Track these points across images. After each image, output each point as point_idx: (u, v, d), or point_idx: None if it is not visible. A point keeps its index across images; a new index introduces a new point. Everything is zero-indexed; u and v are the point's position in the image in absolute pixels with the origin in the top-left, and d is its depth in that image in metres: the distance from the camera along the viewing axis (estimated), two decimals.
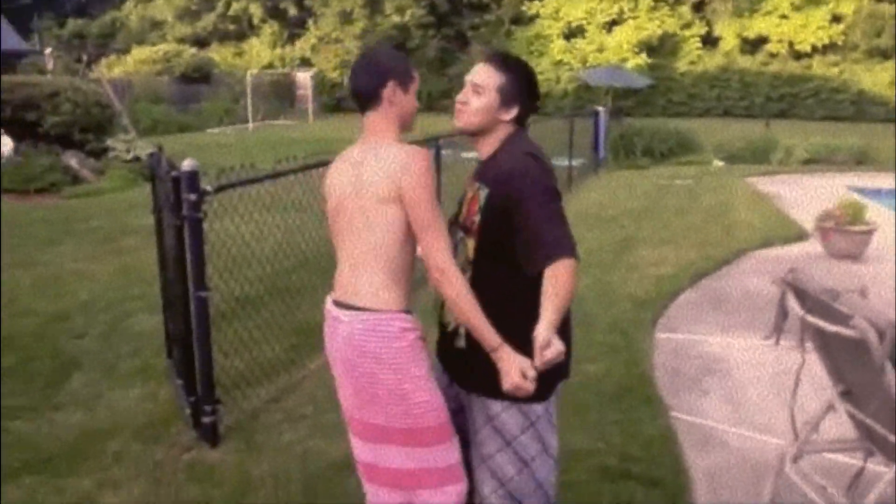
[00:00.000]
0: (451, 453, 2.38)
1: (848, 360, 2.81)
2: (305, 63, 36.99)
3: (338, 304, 2.36)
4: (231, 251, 4.79)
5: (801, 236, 8.79)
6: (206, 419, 3.67)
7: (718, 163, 16.75)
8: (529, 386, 2.13)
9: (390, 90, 2.32)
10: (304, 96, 32.55)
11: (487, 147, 2.41)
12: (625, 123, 19.74)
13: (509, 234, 2.26)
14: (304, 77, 33.17)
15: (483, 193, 2.32)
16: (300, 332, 5.20)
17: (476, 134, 2.41)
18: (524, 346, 2.15)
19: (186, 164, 3.42)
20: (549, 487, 2.45)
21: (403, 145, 2.32)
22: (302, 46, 38.11)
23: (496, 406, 2.35)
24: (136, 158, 13.17)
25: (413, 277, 2.37)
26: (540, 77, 35.21)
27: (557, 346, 2.05)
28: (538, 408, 2.37)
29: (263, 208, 5.11)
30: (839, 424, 3.27)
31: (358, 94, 2.35)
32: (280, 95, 32.04)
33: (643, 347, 5.10)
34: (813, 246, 8.21)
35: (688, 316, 5.96)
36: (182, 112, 26.12)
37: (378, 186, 2.25)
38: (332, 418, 3.96)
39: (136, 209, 10.00)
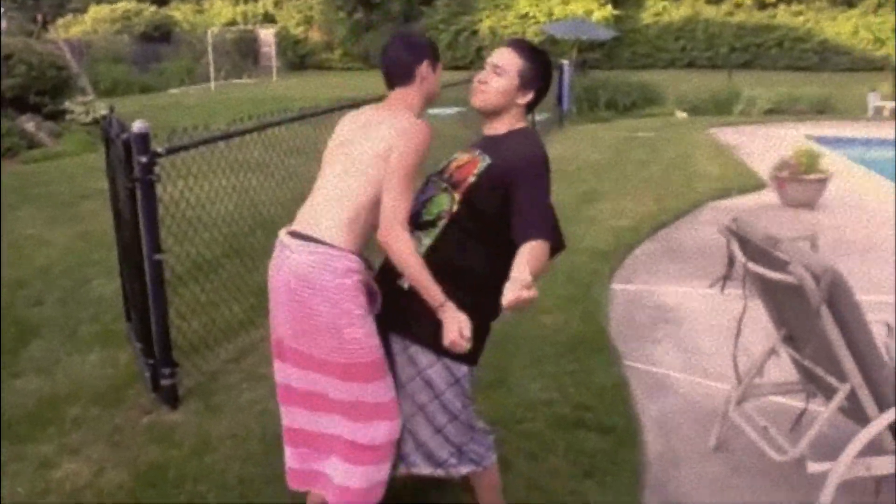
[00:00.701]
0: (383, 391, 2.47)
1: (788, 305, 2.90)
2: (268, 19, 36.35)
3: (293, 234, 2.45)
4: (186, 214, 4.76)
5: (759, 186, 8.93)
6: (164, 382, 3.69)
7: (681, 114, 16.84)
8: (465, 343, 2.27)
9: (425, 68, 2.52)
10: (268, 54, 32.03)
11: (496, 126, 2.54)
12: (589, 76, 19.72)
13: (496, 207, 2.38)
14: (266, 34, 32.60)
15: (485, 161, 2.44)
16: (258, 293, 5.19)
17: (489, 114, 2.53)
18: (470, 305, 2.33)
19: (137, 126, 3.39)
20: (480, 427, 2.60)
21: (411, 116, 2.48)
22: (264, 2, 37.39)
23: (425, 359, 2.44)
24: (95, 121, 12.90)
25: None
26: (505, 31, 34.89)
27: (534, 291, 2.11)
28: (463, 368, 2.48)
29: (220, 170, 5.08)
30: (784, 368, 3.39)
31: (393, 70, 2.53)
32: (243, 53, 31.48)
33: (600, 299, 5.19)
34: (769, 195, 8.34)
35: (644, 267, 6.06)
36: (143, 72, 25.60)
37: (379, 142, 2.41)
38: None
39: (94, 173, 9.84)
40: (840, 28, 31.71)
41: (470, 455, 2.55)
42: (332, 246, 2.37)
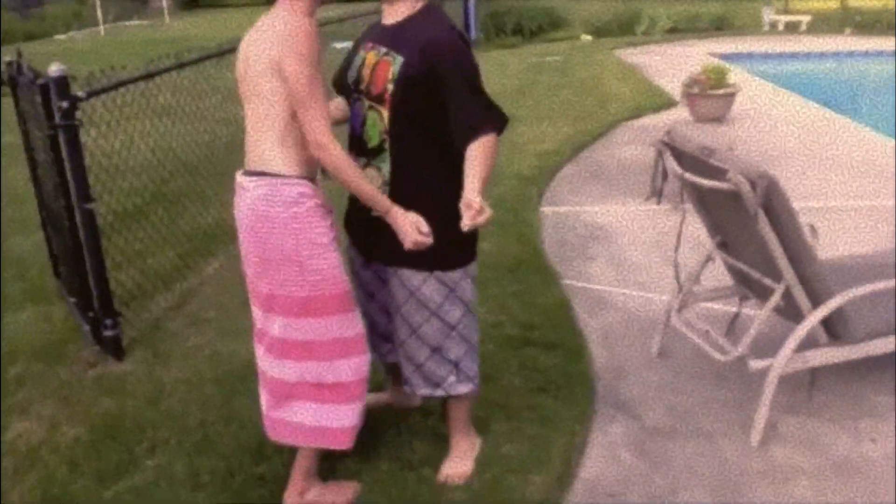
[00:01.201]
0: (347, 325, 2.43)
1: (724, 212, 3.03)
2: None
3: (248, 172, 2.39)
4: (103, 163, 4.58)
5: (669, 104, 9.16)
6: (107, 333, 3.61)
7: (587, 37, 16.97)
8: (427, 239, 2.25)
9: None
10: None
11: (398, 10, 2.37)
12: (494, 3, 19.59)
13: (428, 105, 2.29)
14: None
15: (397, 61, 2.29)
16: (190, 238, 5.11)
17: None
18: (445, 211, 2.29)
19: (53, 70, 3.23)
20: (476, 342, 2.64)
21: (292, 16, 2.25)
22: None
23: (416, 278, 2.44)
24: None
25: None
26: None
27: (488, 212, 2.16)
28: (456, 274, 2.49)
29: (132, 116, 4.88)
30: (715, 275, 3.56)
31: None
32: None
33: (531, 222, 5.29)
34: (680, 112, 8.58)
35: (570, 188, 6.19)
36: (24, 18, 24.05)
37: (260, 59, 2.24)
38: (239, 320, 3.97)
39: None
40: None
41: (467, 372, 2.60)
42: (276, 175, 2.30)
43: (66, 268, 4.22)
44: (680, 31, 17.02)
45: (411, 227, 2.26)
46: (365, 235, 2.47)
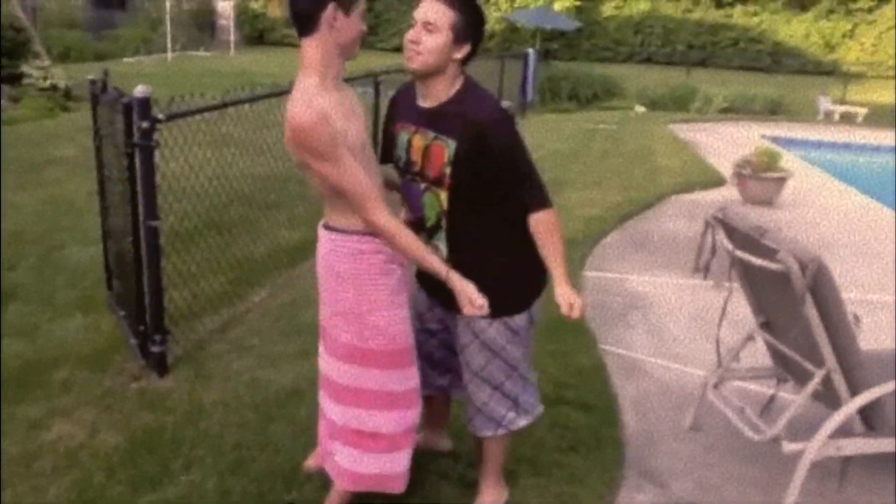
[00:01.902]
0: (403, 380, 2.52)
1: (771, 292, 3.07)
2: None
3: (323, 224, 2.50)
4: (161, 186, 4.73)
5: (718, 182, 9.19)
6: (154, 348, 3.72)
7: (640, 108, 17.15)
8: (483, 311, 2.34)
9: (330, 13, 2.18)
10: (225, 27, 31.52)
11: (437, 91, 2.39)
12: (552, 67, 19.91)
13: (484, 181, 2.39)
14: (224, 7, 32.05)
15: (450, 146, 2.36)
16: (239, 266, 5.25)
17: (427, 76, 2.37)
18: (506, 263, 2.46)
19: (140, 91, 3.40)
20: (534, 379, 2.75)
21: (302, 97, 2.20)
22: None
23: (482, 322, 2.51)
24: (54, 87, 12.65)
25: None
26: None
27: (581, 303, 2.39)
28: (520, 319, 2.57)
29: (195, 143, 5.05)
30: (751, 356, 3.57)
31: (294, 16, 2.22)
32: (199, 25, 30.91)
33: (573, 284, 5.31)
34: (730, 191, 8.60)
35: (614, 255, 6.23)
36: (97, 39, 24.96)
37: (288, 144, 2.25)
38: (279, 349, 4.08)
39: (55, 139, 9.70)
40: (793, 31, 32.51)
41: (525, 406, 2.68)
42: (341, 231, 2.39)
43: (119, 281, 4.36)
44: (734, 111, 17.11)
45: (465, 298, 2.33)
46: (433, 281, 2.54)
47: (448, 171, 2.38)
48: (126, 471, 3.01)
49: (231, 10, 31.76)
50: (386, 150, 2.61)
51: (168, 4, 27.67)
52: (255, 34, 35.00)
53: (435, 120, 2.40)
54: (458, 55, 2.36)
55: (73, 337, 4.18)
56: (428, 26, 2.31)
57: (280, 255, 5.55)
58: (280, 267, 5.37)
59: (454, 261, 2.45)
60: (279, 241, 5.83)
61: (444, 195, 2.43)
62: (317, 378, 2.71)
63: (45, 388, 3.64)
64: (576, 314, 2.42)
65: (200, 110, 3.84)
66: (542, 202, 2.43)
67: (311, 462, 2.96)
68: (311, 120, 2.15)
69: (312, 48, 2.23)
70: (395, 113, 2.59)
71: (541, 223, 2.42)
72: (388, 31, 34.46)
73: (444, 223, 2.47)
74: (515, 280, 2.54)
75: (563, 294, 2.44)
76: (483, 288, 2.35)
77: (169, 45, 26.32)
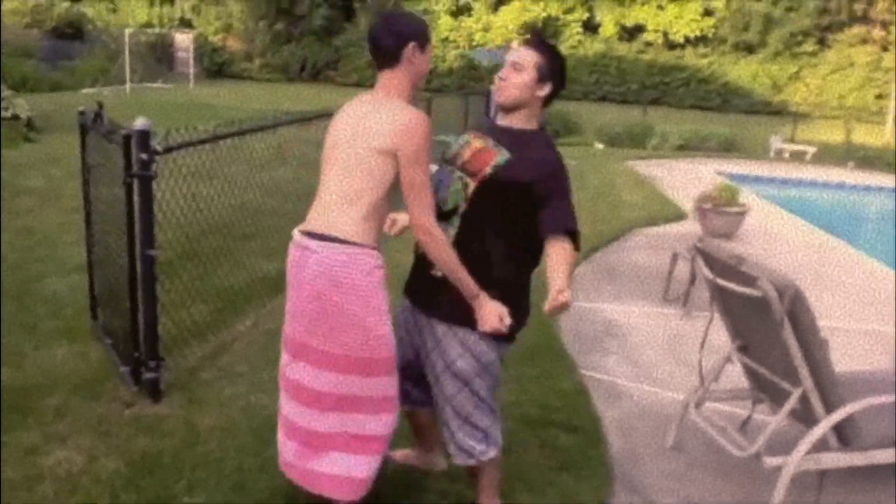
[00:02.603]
0: (392, 386, 2.65)
1: (748, 317, 3.25)
2: (185, 24, 35.76)
3: (311, 234, 2.55)
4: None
5: (679, 216, 9.51)
6: (149, 374, 3.77)
7: (599, 145, 17.56)
8: (504, 329, 2.51)
9: (410, 50, 2.52)
10: (184, 59, 31.54)
11: (512, 119, 2.68)
12: None
13: (510, 203, 2.58)
14: (183, 39, 32.10)
15: (503, 155, 2.61)
16: (219, 296, 5.30)
17: (512, 109, 2.66)
18: (497, 286, 2.58)
19: (139, 124, 3.49)
20: (498, 412, 2.84)
21: (409, 107, 2.53)
22: (182, 7, 36.78)
23: (452, 353, 2.68)
24: (16, 117, 12.55)
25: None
26: None
27: (565, 298, 2.42)
28: (492, 354, 2.70)
29: (162, 176, 5.11)
30: (725, 378, 3.76)
31: (379, 52, 2.55)
32: (158, 57, 30.89)
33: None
34: (691, 225, 8.90)
35: (586, 286, 6.42)
36: (53, 69, 24.76)
37: (379, 138, 2.48)
38: (269, 375, 4.14)
39: (23, 169, 9.64)
40: (741, 72, 33.63)
41: (494, 439, 2.78)
42: (356, 244, 2.50)
43: (108, 309, 4.40)
44: (689, 148, 17.63)
45: (495, 315, 2.52)
46: (423, 289, 2.68)
47: (489, 171, 2.59)
48: (129, 495, 3.05)
49: (190, 42, 31.81)
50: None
51: (127, 36, 27.63)
52: (214, 67, 35.11)
53: (502, 135, 2.67)
54: (541, 93, 2.66)
55: (61, 365, 4.20)
56: (516, 65, 2.64)
57: (260, 285, 5.62)
58: (261, 296, 5.43)
59: (459, 250, 2.57)
60: (258, 272, 5.90)
61: (472, 186, 2.61)
62: None
63: (37, 415, 3.65)
64: (562, 300, 2.46)
65: (194, 143, 3.93)
66: (572, 229, 2.61)
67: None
68: (425, 124, 2.50)
69: (394, 79, 2.56)
70: (468, 127, 2.89)
71: (564, 249, 2.57)
72: (349, 66, 34.84)
73: (460, 211, 2.62)
74: (508, 304, 2.66)
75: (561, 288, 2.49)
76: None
77: (128, 77, 26.22)
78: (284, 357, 2.77)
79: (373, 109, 2.55)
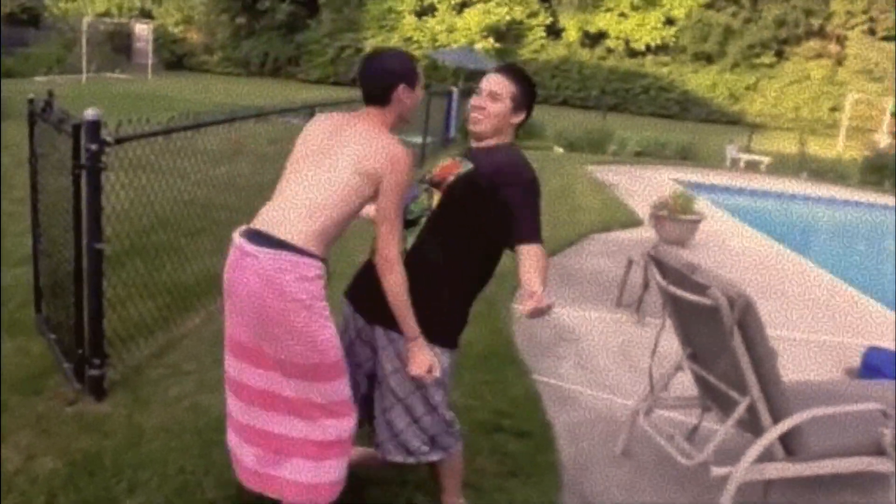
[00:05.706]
0: (345, 389, 2.61)
1: (699, 325, 3.27)
2: (145, 14, 35.17)
3: (258, 235, 2.48)
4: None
5: (636, 222, 9.59)
6: (93, 372, 3.67)
7: (559, 149, 17.66)
8: (431, 379, 2.56)
9: (400, 91, 2.56)
10: (143, 50, 31.03)
11: (485, 142, 2.72)
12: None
13: (473, 207, 2.59)
14: (142, 29, 31.57)
15: (467, 165, 2.64)
16: (170, 291, 5.19)
17: (486, 138, 2.70)
18: (450, 299, 2.61)
19: (89, 113, 3.40)
20: (453, 420, 2.81)
21: (398, 141, 2.55)
22: None
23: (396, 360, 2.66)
24: None
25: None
26: None
27: (547, 301, 2.38)
28: (446, 363, 2.68)
29: (119, 167, 4.98)
30: (675, 386, 3.78)
31: (370, 91, 2.58)
32: (116, 47, 30.32)
33: (503, 317, 5.50)
34: (647, 231, 8.98)
35: None
36: (7, 55, 24.14)
37: (366, 160, 2.48)
38: (217, 374, 4.04)
39: None
40: (700, 81, 34.14)
41: (441, 444, 2.75)
42: (303, 253, 2.43)
43: (51, 304, 4.28)
44: (647, 155, 17.83)
45: (425, 365, 2.55)
46: (370, 295, 2.64)
47: (451, 179, 2.64)
48: (67, 496, 2.96)
49: (149, 33, 31.31)
50: None
51: (85, 24, 27.07)
52: (174, 59, 34.61)
53: (472, 153, 2.73)
54: (515, 120, 2.72)
55: (1, 360, 4.07)
56: (493, 95, 2.67)
57: (209, 282, 5.50)
58: (210, 293, 5.33)
59: (408, 260, 2.56)
60: (208, 268, 5.78)
61: (436, 197, 2.64)
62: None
63: None
64: (543, 305, 2.42)
65: (146, 135, 3.84)
66: (538, 239, 2.61)
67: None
68: (410, 161, 2.55)
69: (381, 115, 2.60)
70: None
71: (535, 252, 2.56)
72: (311, 63, 34.60)
73: (421, 221, 2.64)
74: (454, 313, 2.70)
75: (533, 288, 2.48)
76: (426, 304, 2.54)
77: (84, 66, 25.71)
78: (230, 359, 2.70)
79: (359, 133, 2.56)
